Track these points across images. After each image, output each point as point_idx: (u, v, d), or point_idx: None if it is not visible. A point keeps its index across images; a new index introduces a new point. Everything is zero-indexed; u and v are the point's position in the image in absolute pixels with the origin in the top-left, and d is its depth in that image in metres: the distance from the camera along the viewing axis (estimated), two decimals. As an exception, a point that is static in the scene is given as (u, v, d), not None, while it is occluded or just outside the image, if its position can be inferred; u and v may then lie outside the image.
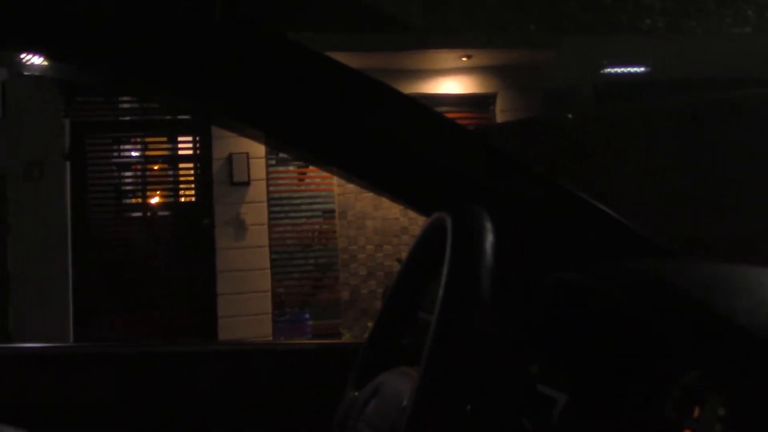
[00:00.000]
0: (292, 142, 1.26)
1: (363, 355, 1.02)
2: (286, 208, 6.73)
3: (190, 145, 6.69)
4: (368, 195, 6.15)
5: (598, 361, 0.88)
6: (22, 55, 5.76)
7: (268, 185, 6.60)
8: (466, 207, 0.81)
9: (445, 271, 0.74)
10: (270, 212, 6.60)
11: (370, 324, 1.63)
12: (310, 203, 6.79)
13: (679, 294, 0.79)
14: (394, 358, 0.98)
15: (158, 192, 6.69)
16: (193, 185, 6.77)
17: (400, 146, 1.15)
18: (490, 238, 0.75)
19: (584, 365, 0.90)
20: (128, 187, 6.75)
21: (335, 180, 6.48)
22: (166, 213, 6.74)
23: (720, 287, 0.80)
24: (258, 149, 6.39)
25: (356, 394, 0.93)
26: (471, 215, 0.79)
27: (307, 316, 6.62)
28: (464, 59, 6.63)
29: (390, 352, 1.00)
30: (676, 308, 0.77)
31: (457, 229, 0.78)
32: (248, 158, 6.39)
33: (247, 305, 6.28)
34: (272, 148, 6.09)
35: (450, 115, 5.56)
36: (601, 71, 7.67)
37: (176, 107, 5.52)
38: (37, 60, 5.75)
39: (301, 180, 6.85)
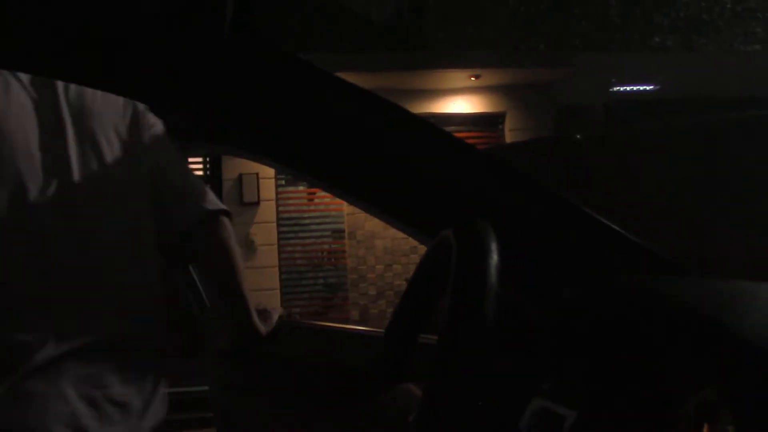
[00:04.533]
0: (297, 165, 1.25)
1: (370, 371, 1.01)
2: (296, 228, 6.74)
3: (200, 166, 6.71)
4: (378, 215, 6.15)
5: (607, 378, 0.87)
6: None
7: (277, 205, 6.62)
8: (470, 225, 0.80)
9: (448, 293, 0.73)
10: (279, 232, 6.62)
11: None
12: (320, 223, 6.81)
13: (691, 310, 0.78)
14: (401, 375, 0.97)
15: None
16: (203, 205, 6.77)
17: (407, 165, 1.15)
18: (494, 258, 0.74)
19: (593, 382, 0.89)
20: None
21: (345, 200, 6.49)
22: (176, 232, 6.74)
23: (732, 304, 0.79)
24: (268, 169, 6.41)
25: (364, 406, 0.93)
26: (475, 233, 0.78)
27: (317, 336, 6.60)
28: (473, 79, 6.66)
29: (396, 368, 0.99)
30: (687, 325, 0.76)
31: (461, 249, 0.77)
32: (258, 178, 6.42)
33: (256, 325, 6.27)
34: (279, 171, 6.12)
35: (459, 134, 5.58)
36: (611, 90, 7.68)
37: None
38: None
39: (311, 200, 6.87)
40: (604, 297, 0.98)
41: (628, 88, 7.73)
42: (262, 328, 1.62)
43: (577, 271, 1.08)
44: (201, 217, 1.53)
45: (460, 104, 6.87)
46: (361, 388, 1.02)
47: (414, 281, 0.99)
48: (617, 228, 1.10)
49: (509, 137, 6.88)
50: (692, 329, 0.76)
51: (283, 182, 6.69)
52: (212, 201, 1.57)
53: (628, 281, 1.02)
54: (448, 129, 1.34)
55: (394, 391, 0.88)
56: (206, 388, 2.02)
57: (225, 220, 1.57)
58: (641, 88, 7.75)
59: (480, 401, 0.67)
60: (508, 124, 6.95)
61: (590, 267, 1.09)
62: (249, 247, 6.40)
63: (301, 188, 6.79)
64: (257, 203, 6.47)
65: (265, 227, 6.50)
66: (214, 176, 6.56)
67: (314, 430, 1.55)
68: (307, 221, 6.78)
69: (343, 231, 6.76)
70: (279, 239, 6.59)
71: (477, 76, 6.61)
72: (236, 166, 6.38)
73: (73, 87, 1.41)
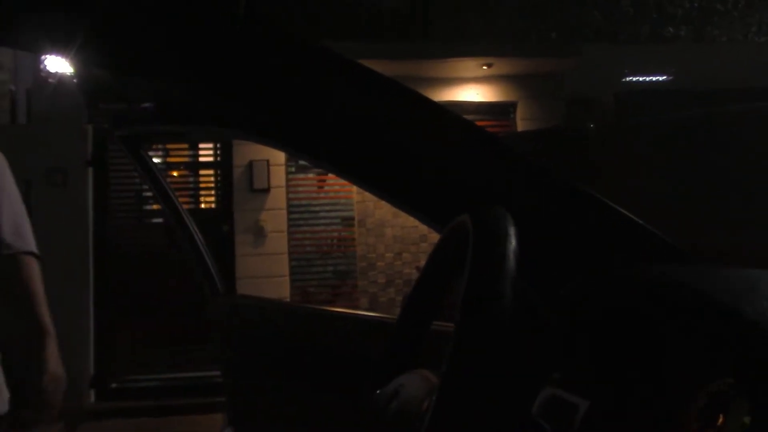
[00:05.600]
0: (310, 151, 1.25)
1: (383, 356, 1.01)
2: (306, 216, 6.75)
3: (211, 152, 6.72)
4: (387, 203, 6.15)
5: (620, 367, 0.87)
6: (46, 63, 5.83)
7: (287, 192, 6.62)
8: (488, 210, 0.79)
9: (465, 277, 0.73)
10: (289, 219, 6.62)
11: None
12: (330, 210, 6.80)
13: (707, 299, 0.78)
14: (414, 361, 0.97)
15: (179, 198, 6.68)
16: (213, 192, 6.79)
17: (423, 150, 1.15)
18: (512, 243, 0.73)
19: (607, 371, 0.89)
20: (149, 193, 6.77)
21: (355, 187, 6.49)
22: (186, 219, 6.75)
23: (748, 292, 0.78)
24: (278, 156, 6.41)
25: (377, 392, 0.93)
26: (493, 219, 0.77)
27: (326, 323, 6.60)
28: (485, 68, 6.63)
29: (409, 354, 1.00)
30: (703, 314, 0.76)
31: (479, 233, 0.76)
32: (268, 165, 6.42)
33: (265, 312, 6.27)
34: (293, 157, 6.12)
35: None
36: (623, 80, 7.63)
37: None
38: (60, 68, 5.82)
39: (321, 187, 6.86)
40: (617, 286, 0.97)
41: (639, 79, 7.69)
42: (54, 360, 1.78)
43: (591, 259, 1.08)
44: (12, 251, 1.74)
45: (473, 93, 6.85)
46: (371, 374, 1.02)
47: (428, 266, 0.99)
48: (632, 216, 1.10)
49: (521, 126, 6.86)
50: (708, 318, 0.75)
51: (293, 169, 6.68)
52: (27, 242, 1.75)
53: (643, 270, 1.01)
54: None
55: (408, 376, 0.88)
56: (216, 373, 2.04)
57: (32, 261, 1.76)
58: (653, 78, 7.70)
59: (496, 388, 0.67)
60: (520, 114, 6.93)
61: (604, 255, 1.08)
62: (259, 233, 6.42)
63: (311, 175, 6.79)
64: (267, 190, 6.47)
65: (275, 214, 6.50)
66: (224, 162, 6.56)
67: (322, 415, 1.56)
68: (316, 208, 6.78)
69: (352, 219, 6.76)
70: (289, 226, 6.60)
71: (489, 65, 6.59)
72: (246, 152, 6.38)
73: None
